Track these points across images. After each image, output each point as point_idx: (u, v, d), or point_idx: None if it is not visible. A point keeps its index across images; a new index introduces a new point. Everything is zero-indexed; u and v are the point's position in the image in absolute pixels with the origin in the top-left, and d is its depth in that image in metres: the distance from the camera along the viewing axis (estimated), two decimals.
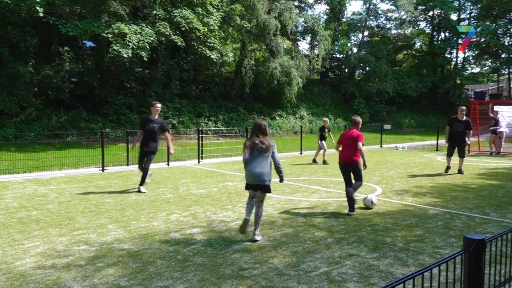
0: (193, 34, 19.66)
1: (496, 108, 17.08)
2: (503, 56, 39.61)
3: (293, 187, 9.39)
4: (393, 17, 39.64)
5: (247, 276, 4.30)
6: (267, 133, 5.71)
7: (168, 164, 13.05)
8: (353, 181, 7.18)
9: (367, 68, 36.88)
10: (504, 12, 39.21)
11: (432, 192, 8.87)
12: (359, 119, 7.50)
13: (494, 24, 37.89)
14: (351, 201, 6.93)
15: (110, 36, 16.97)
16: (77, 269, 4.45)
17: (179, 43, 19.25)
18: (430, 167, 12.83)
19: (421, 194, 8.59)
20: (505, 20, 38.74)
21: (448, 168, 11.47)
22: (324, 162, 13.70)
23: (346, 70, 39.09)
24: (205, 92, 27.34)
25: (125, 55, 16.93)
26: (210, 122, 24.26)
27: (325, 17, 37.39)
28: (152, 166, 12.63)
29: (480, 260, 1.78)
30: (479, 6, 40.15)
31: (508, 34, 39.09)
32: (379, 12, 39.57)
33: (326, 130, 13.92)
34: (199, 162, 13.85)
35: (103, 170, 11.68)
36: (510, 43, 39.03)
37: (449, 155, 11.41)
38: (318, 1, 38.20)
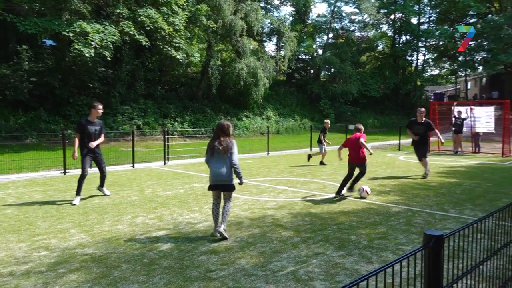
0: (158, 34, 19.39)
1: (458, 108, 17.62)
2: (460, 59, 41.31)
3: (260, 187, 9.42)
4: (356, 20, 40.61)
5: (214, 277, 4.28)
6: (229, 134, 5.72)
7: (133, 166, 12.81)
8: (358, 173, 8.46)
9: (332, 70, 37.54)
10: (461, 17, 40.95)
11: (395, 190, 9.14)
12: (361, 126, 8.71)
13: (452, 28, 39.52)
14: (341, 187, 8.34)
15: (71, 35, 16.49)
16: (37, 276, 4.29)
17: (144, 43, 18.93)
18: (392, 166, 13.21)
19: (384, 193, 8.82)
20: (462, 25, 40.44)
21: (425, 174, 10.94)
22: (320, 163, 13.74)
23: (312, 71, 39.65)
24: (171, 92, 27.01)
25: (87, 55, 16.49)
26: (176, 123, 23.99)
27: (290, 18, 37.78)
28: (117, 168, 12.38)
29: (439, 255, 1.85)
30: (437, 10, 41.74)
31: (465, 38, 40.79)
32: (343, 14, 40.46)
33: (327, 133, 13.98)
34: (165, 163, 13.66)
35: (64, 173, 11.33)
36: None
37: (420, 159, 10.93)
38: (284, 3, 38.58)
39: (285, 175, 11.31)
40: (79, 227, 6.10)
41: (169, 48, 19.94)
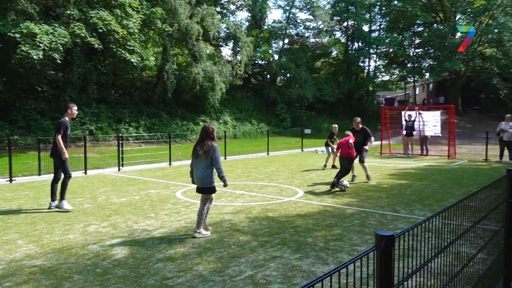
0: (111, 37, 18.86)
1: (408, 112, 18.30)
2: (408, 65, 43.15)
3: (217, 192, 9.35)
4: (311, 26, 41.43)
5: (171, 285, 4.20)
6: (213, 137, 5.88)
7: (85, 173, 12.36)
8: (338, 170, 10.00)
9: (288, 75, 38.06)
10: (409, 25, 42.85)
11: (349, 192, 9.38)
12: (349, 132, 10.43)
13: (401, 36, 41.28)
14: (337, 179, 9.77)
15: (17, 36, 15.70)
16: None
17: (96, 46, 18.35)
18: None
19: (339, 195, 9.04)
20: (410, 33, 42.36)
21: (353, 176, 11.33)
22: (334, 166, 13.84)
23: (268, 76, 40.02)
24: (125, 96, 26.33)
25: (35, 57, 15.76)
26: (131, 128, 23.40)
27: (247, 24, 38.01)
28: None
29: (390, 254, 1.91)
30: (387, 19, 43.43)
31: (413, 45, 42.78)
32: (298, 21, 41.17)
33: (335, 137, 14.25)
34: (119, 169, 13.29)
35: (11, 181, 10.75)
36: (414, 53, 42.69)
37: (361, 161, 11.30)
38: (240, 8, 38.75)
39: (242, 180, 11.33)
40: (26, 238, 5.81)
41: (123, 51, 19.44)
